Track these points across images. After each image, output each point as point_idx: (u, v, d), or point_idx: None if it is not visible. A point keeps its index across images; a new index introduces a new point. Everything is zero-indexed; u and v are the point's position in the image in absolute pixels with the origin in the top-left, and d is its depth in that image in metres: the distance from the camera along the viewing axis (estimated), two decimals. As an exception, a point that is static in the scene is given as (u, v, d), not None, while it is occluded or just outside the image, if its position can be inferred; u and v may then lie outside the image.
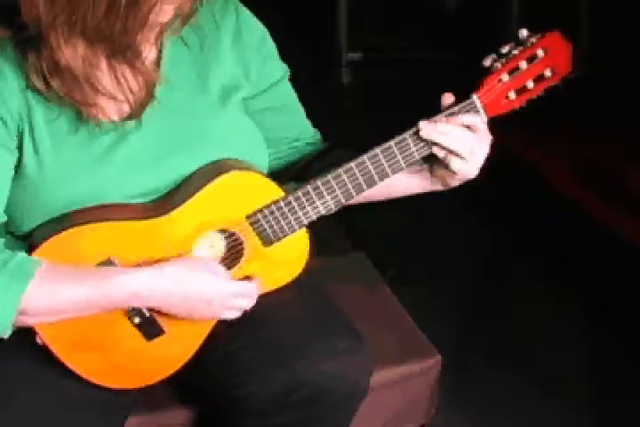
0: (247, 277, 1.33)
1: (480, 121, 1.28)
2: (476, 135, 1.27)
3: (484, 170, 1.31)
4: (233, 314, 1.30)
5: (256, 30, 1.37)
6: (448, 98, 1.29)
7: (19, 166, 1.22)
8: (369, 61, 3.98)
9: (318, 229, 1.33)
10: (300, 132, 1.48)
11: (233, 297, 1.28)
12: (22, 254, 1.19)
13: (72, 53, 1.17)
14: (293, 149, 1.48)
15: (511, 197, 2.90)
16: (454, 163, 1.28)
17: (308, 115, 1.51)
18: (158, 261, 1.25)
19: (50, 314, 1.21)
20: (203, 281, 1.25)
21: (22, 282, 1.16)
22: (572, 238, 2.64)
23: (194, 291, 1.25)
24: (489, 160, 1.31)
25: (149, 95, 1.25)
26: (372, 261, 1.89)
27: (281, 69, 1.43)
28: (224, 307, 1.28)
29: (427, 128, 1.26)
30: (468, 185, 1.35)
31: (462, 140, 1.26)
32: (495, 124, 1.31)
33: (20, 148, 1.22)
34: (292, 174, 1.46)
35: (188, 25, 1.28)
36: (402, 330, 1.67)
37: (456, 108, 1.28)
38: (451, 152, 1.27)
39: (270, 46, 1.40)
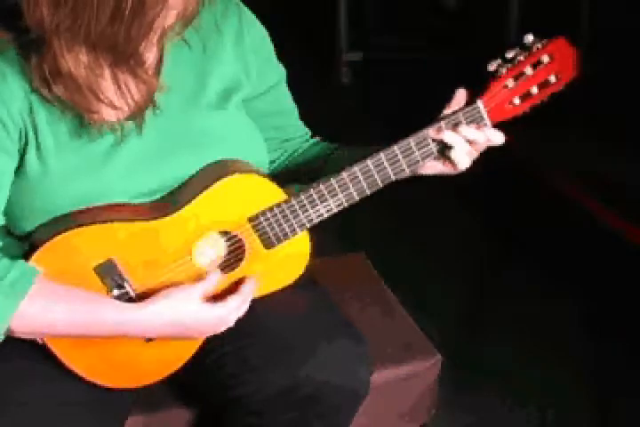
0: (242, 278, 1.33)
1: (500, 135, 1.30)
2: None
3: (483, 170, 1.31)
4: (228, 326, 1.31)
5: (257, 30, 1.38)
6: (462, 94, 1.30)
7: (22, 167, 1.22)
8: (369, 61, 3.98)
9: (318, 229, 1.33)
10: (293, 132, 1.50)
11: (226, 317, 1.29)
12: (16, 271, 1.17)
13: (75, 61, 1.16)
14: (282, 149, 1.49)
15: (511, 197, 2.90)
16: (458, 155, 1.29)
17: (308, 115, 1.51)
18: (159, 262, 1.25)
19: (34, 334, 1.23)
20: (192, 312, 1.25)
21: (15, 300, 1.16)
22: (572, 239, 2.64)
23: (184, 327, 1.26)
24: (489, 160, 1.31)
25: (150, 102, 1.24)
26: (371, 261, 1.89)
27: (279, 72, 1.44)
28: (219, 326, 1.29)
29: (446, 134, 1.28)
30: (469, 186, 1.35)
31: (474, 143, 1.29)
32: (495, 124, 1.31)
33: (23, 149, 1.22)
34: (293, 176, 1.46)
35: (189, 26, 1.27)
36: (402, 330, 1.67)
37: (460, 114, 1.28)
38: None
39: (270, 47, 1.41)
